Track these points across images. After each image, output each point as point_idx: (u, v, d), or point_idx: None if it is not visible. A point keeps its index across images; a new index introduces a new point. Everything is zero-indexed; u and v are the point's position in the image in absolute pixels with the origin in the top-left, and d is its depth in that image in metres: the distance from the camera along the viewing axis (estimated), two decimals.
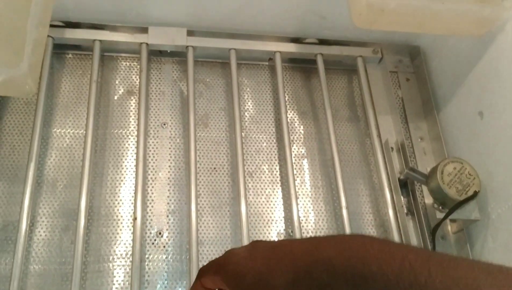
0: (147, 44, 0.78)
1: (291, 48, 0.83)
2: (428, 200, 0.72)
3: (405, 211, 0.72)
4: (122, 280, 0.64)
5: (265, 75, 0.84)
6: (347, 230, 0.69)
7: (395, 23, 0.75)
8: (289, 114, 0.80)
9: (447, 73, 0.82)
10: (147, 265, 0.66)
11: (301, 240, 0.40)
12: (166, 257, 0.66)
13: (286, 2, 0.79)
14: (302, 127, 0.81)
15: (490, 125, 0.69)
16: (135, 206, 0.66)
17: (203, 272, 0.44)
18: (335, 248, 0.36)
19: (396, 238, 0.70)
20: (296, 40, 0.84)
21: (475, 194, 0.66)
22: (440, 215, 0.67)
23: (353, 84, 0.87)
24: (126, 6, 0.78)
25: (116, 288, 0.64)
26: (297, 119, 0.81)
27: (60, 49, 0.78)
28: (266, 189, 0.74)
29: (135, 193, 0.67)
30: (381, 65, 0.87)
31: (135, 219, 0.65)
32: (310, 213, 0.73)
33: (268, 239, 0.70)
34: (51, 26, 0.74)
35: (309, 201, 0.74)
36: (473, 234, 0.71)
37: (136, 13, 0.79)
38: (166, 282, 0.65)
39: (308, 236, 0.71)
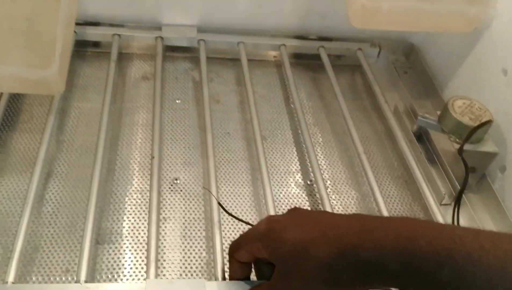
0: (161, 38, 0.85)
1: (295, 42, 0.90)
2: (444, 145, 0.72)
3: (425, 159, 0.72)
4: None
5: (271, 68, 0.90)
6: (371, 176, 0.67)
7: (389, 23, 0.82)
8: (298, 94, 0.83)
9: (440, 66, 0.88)
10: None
11: (346, 216, 0.42)
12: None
13: (289, 4, 0.88)
14: (310, 103, 0.84)
15: None
16: (152, 148, 0.66)
17: (235, 247, 0.45)
18: (382, 229, 0.36)
19: (423, 185, 0.67)
20: (299, 37, 0.91)
21: (489, 122, 0.67)
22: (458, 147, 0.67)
23: (355, 77, 0.91)
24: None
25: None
26: (306, 99, 0.84)
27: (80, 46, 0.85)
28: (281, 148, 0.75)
29: (153, 135, 0.67)
30: (380, 59, 0.93)
31: (153, 158, 0.64)
32: (325, 166, 0.73)
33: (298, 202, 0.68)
34: None
35: (323, 157, 0.75)
36: (496, 179, 0.70)
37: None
38: None
39: (328, 184, 0.70)
